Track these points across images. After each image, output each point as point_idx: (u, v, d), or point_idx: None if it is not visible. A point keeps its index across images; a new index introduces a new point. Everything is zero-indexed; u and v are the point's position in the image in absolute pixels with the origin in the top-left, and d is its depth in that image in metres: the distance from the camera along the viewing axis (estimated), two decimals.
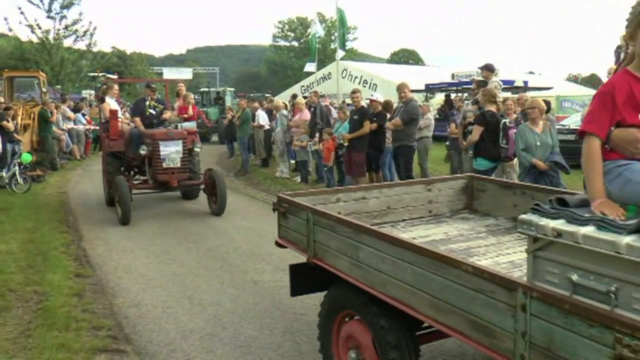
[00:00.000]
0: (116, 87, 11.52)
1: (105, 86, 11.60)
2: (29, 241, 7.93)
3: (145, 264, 6.97)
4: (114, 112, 10.45)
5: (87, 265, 6.95)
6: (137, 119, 10.37)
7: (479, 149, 8.09)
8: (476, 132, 8.04)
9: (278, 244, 4.38)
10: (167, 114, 10.80)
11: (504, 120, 8.21)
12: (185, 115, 12.04)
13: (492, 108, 8.26)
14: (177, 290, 5.94)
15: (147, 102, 10.64)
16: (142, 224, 9.30)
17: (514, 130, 8.53)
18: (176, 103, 12.80)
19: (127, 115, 23.73)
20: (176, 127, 10.27)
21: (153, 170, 9.69)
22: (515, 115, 9.29)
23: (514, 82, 22.06)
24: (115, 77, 34.07)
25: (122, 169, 10.56)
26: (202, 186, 10.32)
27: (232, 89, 34.85)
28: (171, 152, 9.52)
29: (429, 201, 4.92)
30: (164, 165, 9.50)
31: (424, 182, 5.13)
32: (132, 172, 10.73)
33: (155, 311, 5.37)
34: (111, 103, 10.88)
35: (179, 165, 9.62)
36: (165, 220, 9.63)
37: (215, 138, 26.55)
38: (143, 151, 9.56)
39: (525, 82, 22.69)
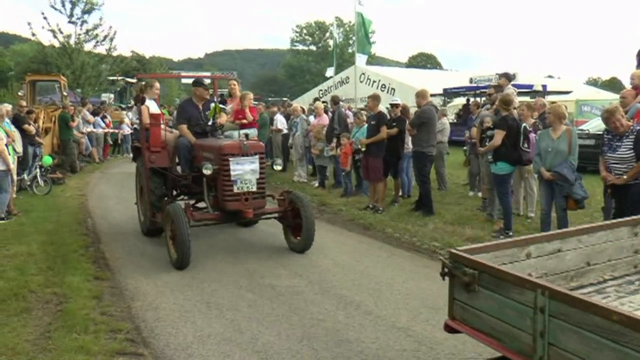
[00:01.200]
0: (157, 85, 9.09)
1: (143, 84, 9.12)
2: (49, 243, 8.01)
3: (163, 267, 7.00)
4: (156, 117, 8.19)
5: (105, 268, 7.00)
6: (184, 126, 8.16)
7: (499, 153, 8.02)
8: (498, 136, 7.98)
9: (449, 329, 3.24)
10: (222, 118, 8.61)
11: (524, 124, 8.15)
12: (244, 121, 9.50)
13: (506, 113, 8.21)
14: (194, 294, 5.95)
15: (213, 105, 8.50)
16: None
17: (534, 135, 8.48)
18: (228, 105, 10.14)
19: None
20: (246, 136, 7.62)
21: (220, 195, 7.25)
22: (532, 120, 9.22)
23: (532, 86, 21.92)
24: (134, 81, 34.44)
25: (164, 188, 8.25)
26: (277, 214, 7.82)
27: (205, 81, 32.03)
28: (245, 171, 7.14)
29: (634, 251, 3.93)
30: (236, 190, 7.10)
31: (629, 222, 4.01)
32: (176, 192, 8.58)
33: (172, 315, 5.38)
34: (152, 105, 8.55)
35: (254, 188, 7.21)
36: None
37: None
38: (207, 170, 7.07)
39: (544, 86, 22.52)
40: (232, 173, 7.06)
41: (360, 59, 26.37)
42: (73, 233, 8.77)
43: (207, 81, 10.03)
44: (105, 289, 6.10)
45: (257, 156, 7.23)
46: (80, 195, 12.66)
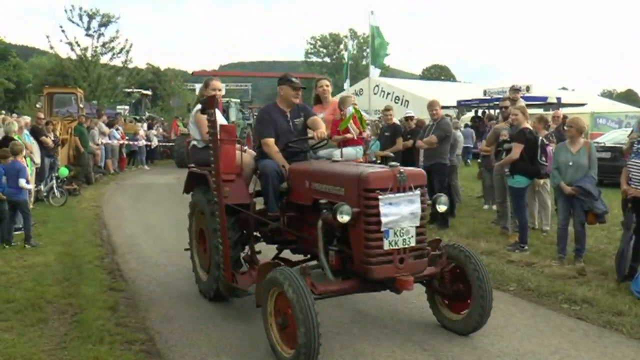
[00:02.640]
0: (219, 84, 6.51)
1: (204, 85, 6.64)
2: (65, 254, 8.07)
3: (177, 279, 7.02)
4: (228, 130, 5.68)
5: (120, 278, 7.03)
6: (271, 141, 5.78)
7: (517, 166, 7.98)
8: (517, 149, 7.94)
9: None
10: (319, 130, 5.91)
11: (541, 138, 8.12)
12: (348, 136, 6.47)
13: (527, 125, 8.18)
14: (209, 306, 5.95)
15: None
16: (173, 238, 9.37)
17: (551, 147, 8.43)
18: (320, 114, 6.85)
19: (151, 131, 23.90)
20: (386, 161, 5.63)
21: (359, 254, 4.62)
22: (545, 132, 9.17)
23: (547, 98, 21.80)
24: (149, 93, 34.77)
25: (241, 234, 5.95)
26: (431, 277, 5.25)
27: (238, 100, 27.78)
28: (402, 216, 4.60)
29: None
30: (387, 246, 4.56)
31: None
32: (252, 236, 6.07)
33: (187, 326, 5.38)
34: (217, 114, 5.74)
35: (413, 242, 4.68)
36: None
37: None
38: (344, 216, 4.49)
39: (559, 99, 22.40)
40: (382, 219, 4.49)
41: (374, 72, 26.41)
42: (88, 244, 8.82)
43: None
44: (120, 300, 6.11)
45: (417, 191, 4.70)
46: (95, 207, 12.75)
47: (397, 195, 4.59)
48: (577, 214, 7.28)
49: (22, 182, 8.63)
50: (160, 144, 24.88)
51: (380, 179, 4.59)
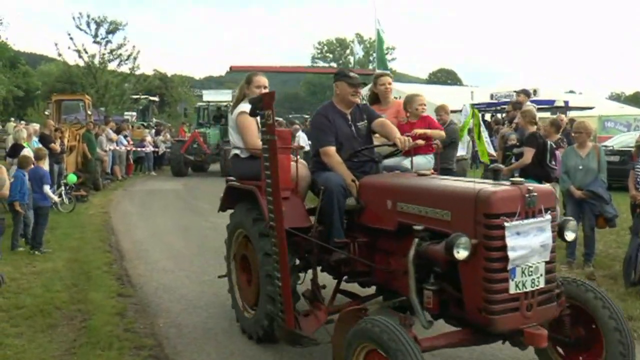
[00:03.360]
0: (264, 80, 5.31)
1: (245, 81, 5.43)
2: (74, 260, 8.11)
3: (185, 284, 7.03)
4: (282, 136, 4.64)
5: (128, 284, 7.05)
6: (333, 149, 4.86)
7: (527, 170, 7.95)
8: (529, 154, 7.90)
9: None
10: (402, 136, 4.86)
11: (550, 142, 8.09)
12: (420, 142, 5.27)
13: (533, 129, 8.15)
14: (217, 312, 5.96)
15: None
16: (181, 244, 9.42)
17: (559, 151, 8.41)
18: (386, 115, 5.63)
19: (159, 137, 23.72)
20: (495, 174, 3.97)
21: (474, 299, 3.61)
22: (557, 136, 9.14)
23: (554, 102, 21.73)
24: (156, 99, 34.94)
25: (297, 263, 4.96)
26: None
27: (226, 99, 25.31)
28: (532, 249, 3.60)
29: None
30: (513, 289, 3.54)
31: None
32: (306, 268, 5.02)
33: (195, 332, 5.39)
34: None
35: (542, 284, 3.68)
36: (204, 240, 9.71)
37: (214, 168, 22.09)
38: (462, 250, 3.46)
39: (566, 102, 22.33)
40: (509, 255, 3.45)
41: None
42: (97, 250, 8.86)
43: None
44: (128, 306, 6.14)
45: (548, 216, 3.67)
46: (103, 213, 12.80)
47: (527, 221, 3.53)
48: (588, 217, 7.24)
49: (46, 188, 8.71)
50: (168, 150, 24.90)
51: (507, 201, 3.49)
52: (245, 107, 4.75)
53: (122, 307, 6.07)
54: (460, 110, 23.97)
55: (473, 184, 3.71)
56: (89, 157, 16.01)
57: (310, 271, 4.83)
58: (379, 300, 4.86)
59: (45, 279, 7.04)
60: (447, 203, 3.75)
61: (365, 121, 5.13)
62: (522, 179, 3.77)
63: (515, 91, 11.24)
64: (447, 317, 3.93)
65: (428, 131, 5.56)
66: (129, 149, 20.50)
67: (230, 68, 5.61)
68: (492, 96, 25.63)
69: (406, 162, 5.31)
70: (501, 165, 4.80)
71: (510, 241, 3.44)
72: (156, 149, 22.97)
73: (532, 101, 13.78)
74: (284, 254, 3.97)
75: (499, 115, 20.71)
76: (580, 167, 7.25)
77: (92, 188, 15.95)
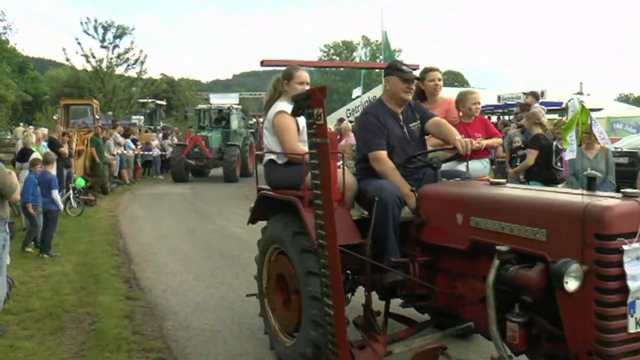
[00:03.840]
0: (305, 76, 4.72)
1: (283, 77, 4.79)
2: (82, 263, 8.15)
3: (193, 287, 7.05)
4: (332, 140, 3.90)
5: (137, 287, 7.08)
6: (384, 154, 4.31)
7: (532, 172, 7.95)
8: (531, 155, 7.91)
9: None
10: (463, 138, 4.27)
11: (555, 143, 8.08)
12: (477, 145, 4.67)
13: (538, 131, 8.15)
14: (225, 315, 5.97)
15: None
16: (188, 247, 9.45)
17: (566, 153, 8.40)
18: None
19: (166, 141, 23.66)
20: (591, 182, 3.38)
21: (587, 339, 2.83)
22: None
23: (562, 103, 21.60)
24: (164, 103, 35.09)
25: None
26: None
27: (239, 106, 26.15)
28: None
29: None
30: (633, 329, 2.79)
31: None
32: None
33: (204, 335, 5.40)
34: (299, 119, 4.46)
35: None
36: (211, 243, 9.75)
37: (216, 172, 21.57)
38: (573, 280, 2.78)
39: None
40: (629, 285, 2.80)
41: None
42: (105, 253, 8.90)
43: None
44: (136, 309, 6.16)
45: None
46: (111, 216, 12.85)
47: None
48: None
49: (54, 192, 8.78)
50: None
51: (625, 218, 2.80)
52: (284, 106, 4.48)
53: (130, 309, 6.09)
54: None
55: (580, 196, 3.02)
56: (97, 161, 16.10)
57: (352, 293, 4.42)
58: (447, 332, 4.28)
59: (54, 283, 7.08)
60: (543, 219, 3.06)
61: (418, 121, 4.54)
62: (636, 191, 3.06)
63: (524, 93, 11.21)
64: (537, 354, 3.27)
65: (485, 142, 5.02)
66: (136, 152, 20.59)
67: (262, 62, 5.01)
68: (499, 98, 25.56)
69: (460, 168, 4.68)
70: (596, 173, 4.63)
71: (629, 268, 2.75)
72: (163, 153, 23.05)
73: (540, 103, 13.75)
74: (337, 279, 3.26)
75: (506, 117, 20.67)
76: (588, 169, 7.23)
77: (100, 192, 16.04)
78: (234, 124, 21.82)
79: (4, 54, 22.86)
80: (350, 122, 16.90)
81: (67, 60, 30.88)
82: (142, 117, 32.91)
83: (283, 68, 4.88)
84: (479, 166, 5.06)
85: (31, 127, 23.45)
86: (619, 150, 14.25)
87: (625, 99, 64.99)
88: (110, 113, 28.75)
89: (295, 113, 3.43)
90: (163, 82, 48.01)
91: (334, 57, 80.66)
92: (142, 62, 31.73)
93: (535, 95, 10.28)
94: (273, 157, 4.62)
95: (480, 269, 3.42)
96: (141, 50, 31.77)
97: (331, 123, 20.47)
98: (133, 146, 20.35)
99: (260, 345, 5.10)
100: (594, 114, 22.65)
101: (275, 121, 4.52)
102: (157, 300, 6.55)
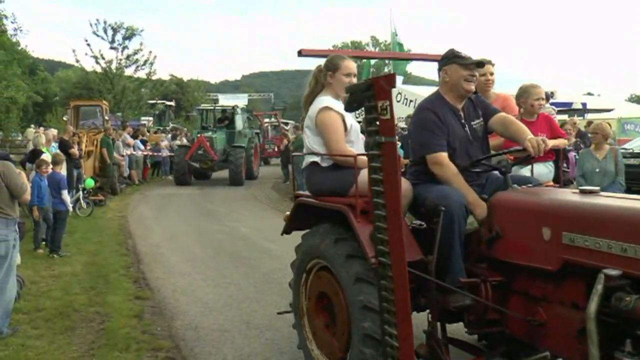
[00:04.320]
0: (351, 66, 4.22)
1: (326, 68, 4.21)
2: (92, 263, 8.20)
3: (202, 287, 7.07)
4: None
5: (146, 287, 7.11)
6: (445, 157, 3.77)
7: None
8: None
9: None
10: (535, 137, 3.62)
11: None
12: (560, 143, 4.90)
13: None
14: (233, 314, 5.98)
15: (480, 114, 4.00)
16: (197, 248, 9.48)
17: (573, 153, 8.35)
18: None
19: (175, 142, 23.60)
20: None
21: None
22: (574, 140, 9.08)
23: (572, 104, 21.54)
24: (173, 104, 35.22)
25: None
26: None
27: (245, 104, 25.96)
28: None
29: None
30: None
31: None
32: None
33: (212, 334, 5.42)
34: (346, 116, 4.04)
35: None
36: (220, 244, 9.77)
37: (218, 175, 20.84)
38: None
39: (584, 104, 22.13)
40: None
41: (397, 80, 26.39)
42: (114, 253, 8.95)
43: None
44: (145, 308, 6.19)
45: None
46: (120, 217, 12.91)
47: None
48: None
49: (64, 193, 8.84)
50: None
51: None
52: (328, 101, 4.03)
53: (140, 309, 6.12)
54: None
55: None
56: (107, 162, 16.18)
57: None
58: None
59: (64, 282, 7.13)
60: None
61: (481, 118, 3.97)
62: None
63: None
64: None
65: (551, 142, 3.98)
66: (145, 153, 20.67)
67: (300, 52, 4.44)
68: None
69: (524, 172, 4.24)
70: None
71: None
72: (172, 154, 23.12)
73: (549, 104, 13.68)
74: (404, 304, 2.63)
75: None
76: (597, 170, 7.18)
77: (109, 192, 16.11)
78: (239, 124, 21.12)
79: (14, 55, 23.01)
80: (359, 122, 16.84)
81: (77, 61, 31.10)
82: (151, 118, 33.10)
83: (315, 60, 4.59)
84: (544, 170, 4.51)
85: (41, 128, 23.61)
86: (630, 151, 14.15)
87: (637, 100, 64.52)
88: (119, 114, 28.91)
89: (350, 107, 2.96)
90: (172, 83, 48.20)
91: None
92: (152, 63, 31.92)
93: (546, 96, 10.18)
94: (316, 159, 4.08)
95: (570, 293, 2.97)
96: (150, 52, 31.96)
97: None
98: (142, 147, 20.44)
99: (268, 345, 5.11)
100: (604, 115, 22.46)
101: (320, 119, 4.01)
102: (166, 300, 6.58)
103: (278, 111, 33.35)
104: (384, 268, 2.72)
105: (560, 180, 4.92)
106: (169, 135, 25.58)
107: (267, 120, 29.96)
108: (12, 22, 22.88)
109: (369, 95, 2.68)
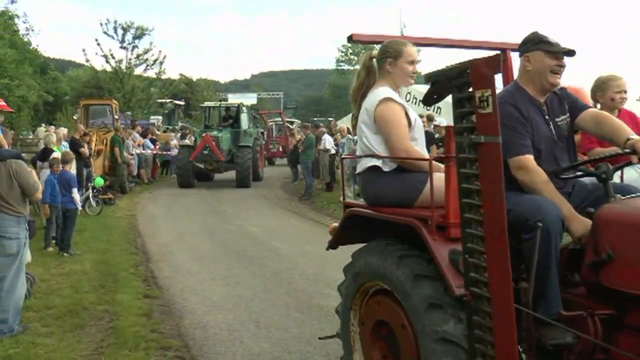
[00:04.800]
0: (413, 51, 3.55)
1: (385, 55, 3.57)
2: (101, 262, 8.22)
3: (211, 286, 7.08)
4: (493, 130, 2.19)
5: (154, 286, 7.12)
6: (532, 160, 3.11)
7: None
8: None
9: None
10: (624, 135, 3.04)
11: None
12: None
13: None
14: (242, 314, 5.98)
15: (567, 109, 3.36)
16: (206, 247, 9.49)
17: None
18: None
19: (185, 141, 23.43)
20: None
21: None
22: None
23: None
24: (182, 103, 35.31)
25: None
26: None
27: (251, 102, 25.61)
28: None
29: None
30: None
31: None
32: None
33: (221, 334, 5.41)
34: (408, 109, 3.50)
35: None
36: (228, 243, 9.79)
37: (220, 176, 19.95)
38: None
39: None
40: None
41: None
42: (123, 252, 8.97)
43: None
44: (154, 307, 6.19)
45: None
46: (130, 215, 12.96)
47: None
48: None
49: (74, 192, 8.89)
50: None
51: None
52: (389, 92, 3.49)
53: (149, 308, 6.13)
54: None
55: None
56: (118, 161, 16.24)
57: None
58: None
59: (73, 280, 7.15)
60: None
61: (567, 114, 3.37)
62: None
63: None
64: None
65: None
66: (155, 152, 20.74)
67: (350, 37, 3.78)
68: None
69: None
70: None
71: None
72: None
73: None
74: (509, 349, 2.20)
75: None
76: None
77: (118, 191, 16.17)
78: (245, 123, 20.12)
79: (26, 55, 23.15)
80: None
81: (87, 61, 31.26)
82: (160, 117, 33.19)
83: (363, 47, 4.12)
84: (634, 175, 3.73)
85: (52, 127, 23.72)
86: None
87: None
88: (129, 113, 29.01)
89: (429, 100, 2.50)
90: (181, 82, 48.31)
91: (353, 56, 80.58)
92: (161, 63, 32.00)
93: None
94: (377, 162, 3.44)
95: None
96: (160, 51, 32.04)
97: (349, 122, 20.43)
98: (152, 146, 20.51)
99: (277, 344, 5.10)
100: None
101: (379, 112, 3.41)
102: (174, 299, 6.59)
103: (290, 109, 33.21)
104: (479, 301, 2.24)
105: None
106: (178, 135, 25.64)
107: (271, 120, 29.72)
108: (24, 22, 23.01)
109: (460, 84, 2.25)
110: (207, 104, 22.66)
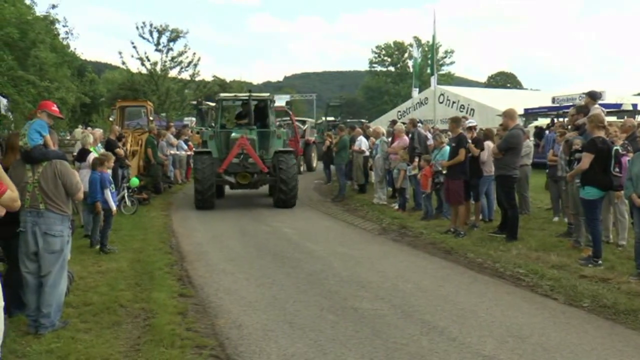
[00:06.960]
0: None
1: None
2: (137, 260, 8.34)
3: (245, 286, 7.11)
4: None
5: (189, 285, 7.19)
6: None
7: (588, 177, 7.66)
8: (586, 159, 7.63)
9: None
10: None
11: (615, 147, 7.75)
12: None
13: (601, 134, 7.83)
14: (277, 314, 5.99)
15: None
16: (240, 247, 9.55)
17: (627, 158, 8.05)
18: None
19: (183, 144, 23.19)
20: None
21: None
22: (621, 142, 8.75)
23: (621, 105, 20.91)
24: (213, 104, 35.56)
25: None
26: None
27: (267, 94, 21.53)
28: None
29: None
30: None
31: None
32: None
33: (256, 334, 5.43)
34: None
35: None
36: (262, 243, 9.82)
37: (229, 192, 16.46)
38: None
39: (634, 105, 21.42)
40: None
41: (434, 81, 26.43)
42: (158, 251, 9.08)
43: None
44: (189, 306, 6.26)
45: None
46: (164, 215, 13.11)
47: None
48: None
49: (107, 192, 9.07)
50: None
51: None
52: None
53: (184, 307, 6.19)
54: (521, 115, 23.43)
55: None
56: (152, 162, 16.46)
57: None
58: None
59: (110, 278, 7.26)
60: None
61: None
62: None
63: (583, 93, 10.75)
64: None
65: None
66: (189, 153, 20.95)
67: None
68: (553, 100, 24.92)
69: None
70: None
71: None
72: None
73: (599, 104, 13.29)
74: None
75: (561, 120, 20.11)
76: None
77: (153, 191, 16.38)
78: (272, 121, 15.61)
79: (65, 58, 23.62)
80: (403, 123, 16.49)
81: (123, 63, 31.71)
82: (194, 119, 33.50)
83: None
84: None
85: (89, 128, 24.19)
86: None
87: None
88: (163, 114, 29.36)
89: None
90: (215, 84, 48.70)
91: (386, 58, 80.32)
92: (195, 65, 32.25)
93: (593, 96, 9.74)
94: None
95: None
96: (194, 53, 32.29)
97: (384, 125, 20.36)
98: (185, 147, 20.73)
99: (311, 345, 5.09)
100: None
101: None
102: (209, 298, 6.64)
103: (334, 107, 32.45)
104: None
105: None
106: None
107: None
108: (64, 26, 23.46)
109: None
110: (223, 95, 17.30)
